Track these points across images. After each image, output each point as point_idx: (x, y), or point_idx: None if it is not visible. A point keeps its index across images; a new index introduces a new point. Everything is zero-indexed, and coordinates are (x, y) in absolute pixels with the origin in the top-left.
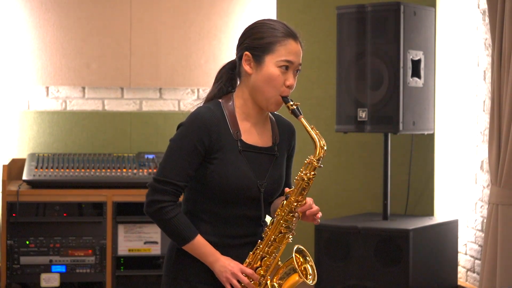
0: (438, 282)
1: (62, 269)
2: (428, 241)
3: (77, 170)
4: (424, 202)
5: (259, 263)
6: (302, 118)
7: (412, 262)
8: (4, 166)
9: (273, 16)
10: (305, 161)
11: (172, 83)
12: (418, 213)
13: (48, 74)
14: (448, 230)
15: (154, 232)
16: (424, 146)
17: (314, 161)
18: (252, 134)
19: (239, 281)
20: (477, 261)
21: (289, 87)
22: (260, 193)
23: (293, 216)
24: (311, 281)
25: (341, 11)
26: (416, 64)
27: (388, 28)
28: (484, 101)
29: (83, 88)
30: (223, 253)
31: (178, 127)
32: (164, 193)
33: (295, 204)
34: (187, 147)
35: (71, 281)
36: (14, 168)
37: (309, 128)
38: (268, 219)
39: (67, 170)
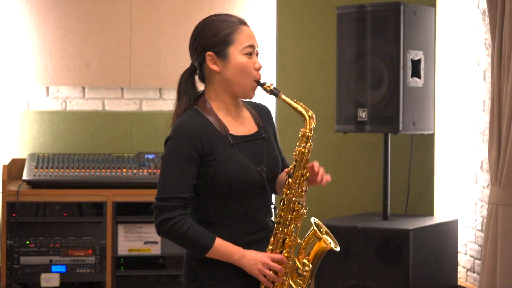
0: (438, 282)
1: (62, 269)
2: (428, 241)
3: (77, 170)
4: (424, 202)
5: (282, 246)
6: (283, 95)
7: (412, 262)
8: (4, 166)
9: (273, 16)
10: (299, 135)
11: (172, 83)
12: (418, 213)
13: (48, 74)
14: (448, 230)
15: (154, 232)
16: (424, 146)
17: (307, 132)
18: (237, 126)
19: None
20: (477, 261)
21: (259, 70)
22: (263, 179)
23: (302, 191)
24: (337, 247)
25: (341, 11)
26: (416, 64)
27: (388, 28)
28: (484, 101)
29: (83, 88)
30: None
31: (166, 142)
32: (171, 209)
33: (301, 179)
34: (182, 158)
35: (71, 281)
36: (14, 168)
37: (293, 103)
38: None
39: (67, 170)
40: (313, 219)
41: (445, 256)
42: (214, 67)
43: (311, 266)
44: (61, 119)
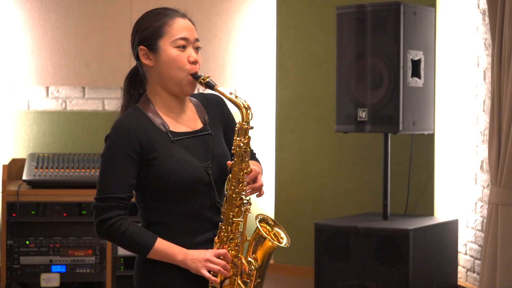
0: (438, 282)
1: (62, 269)
2: (428, 241)
3: (77, 170)
4: (424, 202)
5: (227, 244)
6: (218, 87)
7: (412, 262)
8: (4, 166)
9: (273, 16)
10: (236, 128)
11: None
12: (418, 213)
13: (48, 74)
14: (448, 230)
15: None
16: (424, 146)
17: (244, 125)
18: (180, 123)
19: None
20: (477, 261)
21: (195, 63)
22: (209, 175)
23: (243, 185)
24: (287, 245)
25: (341, 11)
26: (416, 64)
27: (388, 28)
28: (484, 101)
29: (83, 88)
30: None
31: (105, 140)
32: (109, 209)
33: (241, 173)
34: (120, 157)
35: (71, 281)
36: (14, 168)
37: (228, 95)
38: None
39: (67, 170)
40: (259, 216)
41: (445, 256)
42: (147, 61)
43: (258, 264)
44: (61, 119)
